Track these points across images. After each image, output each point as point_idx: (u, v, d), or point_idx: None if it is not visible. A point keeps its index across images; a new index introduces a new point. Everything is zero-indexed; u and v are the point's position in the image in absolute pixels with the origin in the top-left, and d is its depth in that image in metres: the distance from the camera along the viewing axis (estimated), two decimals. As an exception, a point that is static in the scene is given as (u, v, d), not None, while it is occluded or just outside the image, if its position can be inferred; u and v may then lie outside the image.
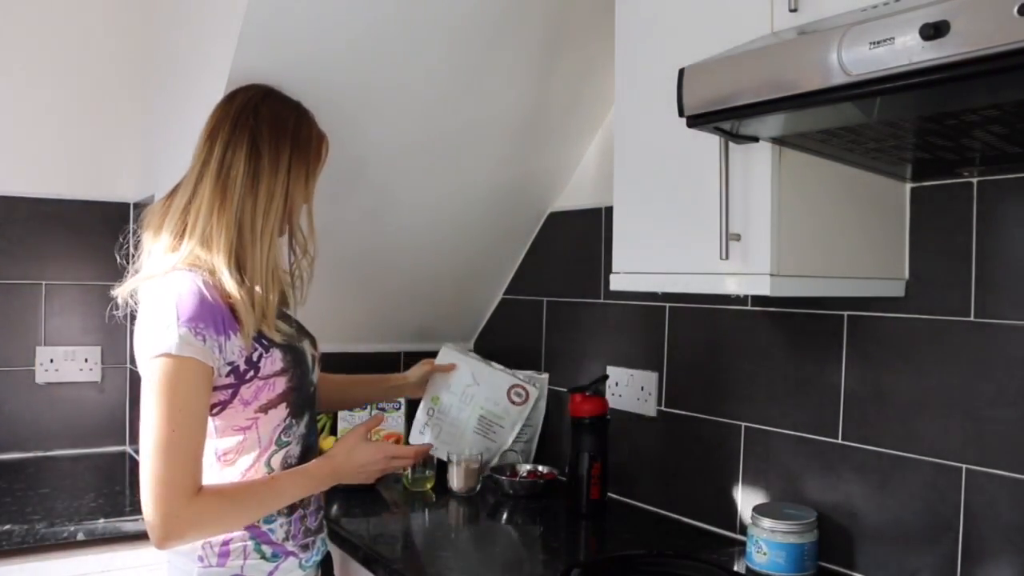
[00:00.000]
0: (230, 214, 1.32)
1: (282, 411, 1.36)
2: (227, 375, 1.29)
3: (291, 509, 1.39)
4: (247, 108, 1.38)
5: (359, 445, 1.46)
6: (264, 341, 1.33)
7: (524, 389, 2.16)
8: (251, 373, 1.31)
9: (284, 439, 1.38)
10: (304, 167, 1.41)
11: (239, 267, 1.33)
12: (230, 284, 1.29)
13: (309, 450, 1.45)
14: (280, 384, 1.35)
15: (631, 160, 1.54)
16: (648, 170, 1.50)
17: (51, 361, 2.37)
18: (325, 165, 1.50)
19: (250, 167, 1.34)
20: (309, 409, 1.44)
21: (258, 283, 1.33)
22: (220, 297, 1.28)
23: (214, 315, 1.26)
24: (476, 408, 2.12)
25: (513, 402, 2.16)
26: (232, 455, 1.34)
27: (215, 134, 1.38)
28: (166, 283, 1.27)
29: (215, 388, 1.29)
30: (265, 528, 1.36)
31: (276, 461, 1.38)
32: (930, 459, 1.43)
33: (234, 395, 1.31)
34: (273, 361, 1.33)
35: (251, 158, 1.34)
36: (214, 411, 1.31)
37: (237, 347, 1.28)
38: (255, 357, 1.31)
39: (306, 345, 1.45)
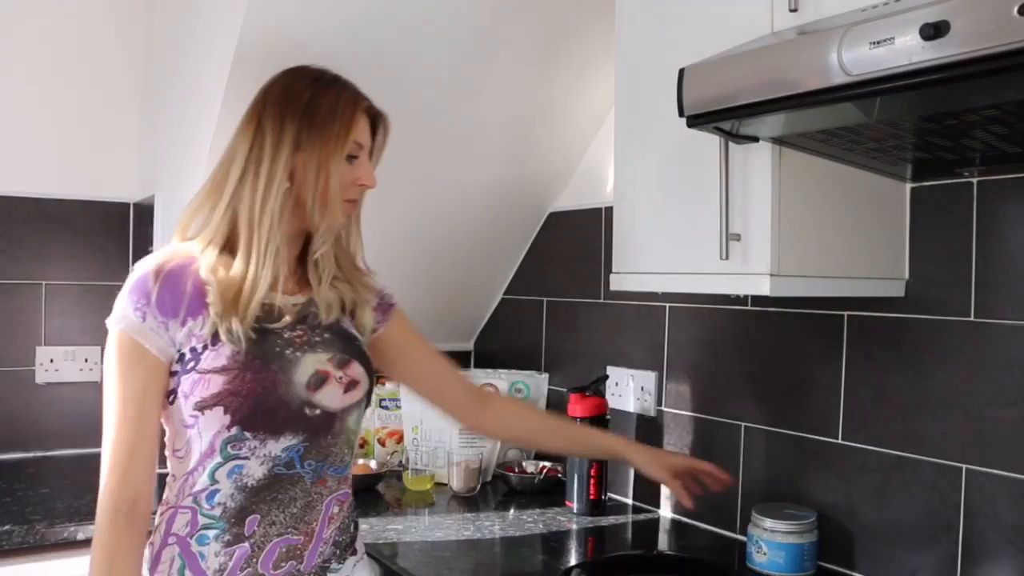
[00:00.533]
0: (225, 198, 1.23)
1: (219, 416, 1.17)
2: (177, 361, 1.19)
3: (234, 538, 1.19)
4: (261, 91, 1.29)
5: None
6: (217, 334, 1.18)
7: (493, 387, 2.19)
8: (192, 364, 1.17)
9: (232, 451, 1.18)
10: (319, 141, 1.23)
11: (230, 251, 1.23)
12: (204, 268, 1.19)
13: (283, 480, 1.22)
14: (216, 383, 1.17)
15: (631, 160, 1.54)
16: (648, 170, 1.50)
17: (51, 361, 2.37)
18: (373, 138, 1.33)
19: (253, 148, 1.24)
20: (289, 430, 1.21)
21: (248, 269, 1.20)
22: (190, 280, 1.19)
23: (170, 295, 1.17)
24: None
25: None
26: (181, 452, 1.22)
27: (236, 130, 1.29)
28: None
29: (171, 374, 1.20)
30: (196, 549, 1.19)
31: (222, 476, 1.18)
32: (930, 459, 1.43)
33: (178, 385, 1.19)
34: (217, 356, 1.17)
35: (255, 139, 1.24)
36: (169, 399, 1.20)
37: (190, 334, 1.17)
38: (200, 347, 1.18)
39: (320, 359, 1.24)
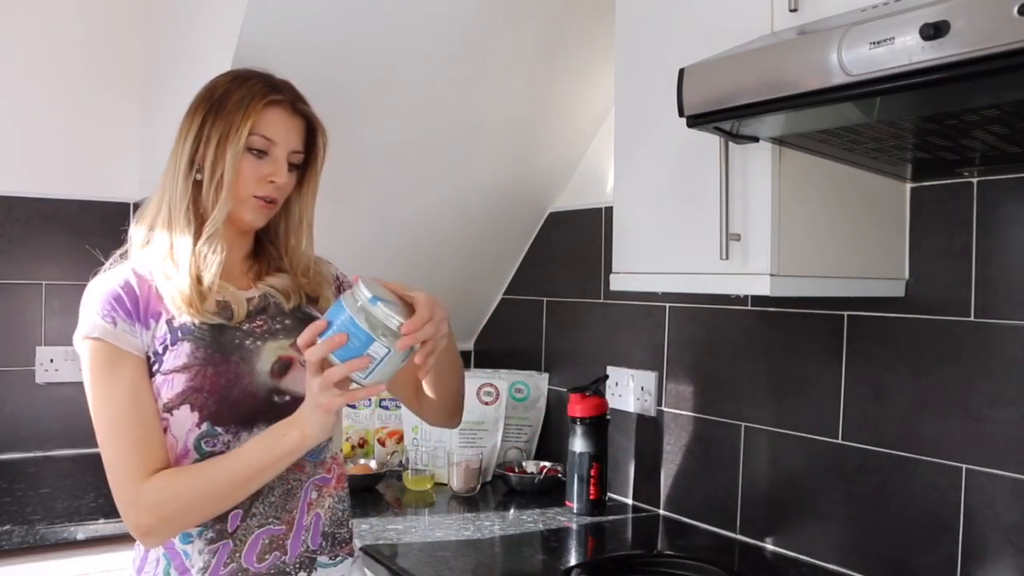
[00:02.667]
0: (163, 195, 1.25)
1: (187, 414, 1.17)
2: (151, 365, 1.19)
3: (217, 535, 1.19)
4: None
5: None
6: (179, 332, 1.18)
7: (493, 387, 2.19)
8: (156, 367, 1.18)
9: (207, 448, 1.18)
10: (219, 131, 1.22)
11: (171, 245, 1.23)
12: (147, 266, 1.22)
13: None
14: (179, 382, 1.17)
15: (631, 160, 1.54)
16: (648, 170, 1.50)
17: (51, 361, 2.37)
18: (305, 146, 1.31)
19: (176, 145, 1.25)
20: (261, 420, 1.20)
21: (179, 260, 1.21)
22: (142, 283, 1.20)
23: (130, 300, 1.18)
24: None
25: (485, 403, 2.19)
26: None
27: None
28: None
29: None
30: (180, 548, 1.19)
31: None
32: (930, 459, 1.43)
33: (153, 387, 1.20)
34: (177, 355, 1.18)
35: (179, 136, 1.26)
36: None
37: (153, 336, 1.18)
38: (161, 349, 1.18)
39: (281, 346, 1.25)
